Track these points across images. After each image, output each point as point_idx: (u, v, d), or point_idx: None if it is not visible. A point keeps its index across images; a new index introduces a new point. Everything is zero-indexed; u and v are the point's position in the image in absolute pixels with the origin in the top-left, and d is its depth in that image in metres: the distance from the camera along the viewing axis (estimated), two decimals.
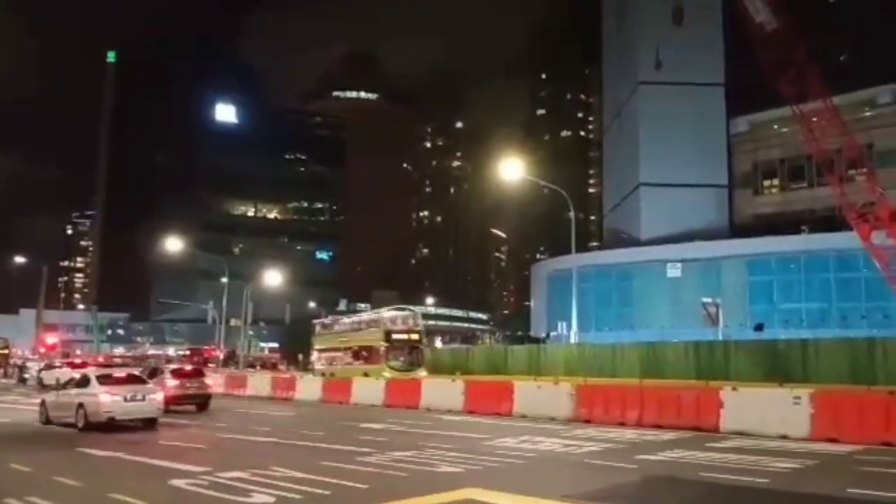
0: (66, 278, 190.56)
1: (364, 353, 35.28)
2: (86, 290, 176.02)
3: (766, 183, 60.47)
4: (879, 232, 31.48)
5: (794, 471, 10.89)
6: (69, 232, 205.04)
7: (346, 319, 43.74)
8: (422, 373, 32.96)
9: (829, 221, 47.55)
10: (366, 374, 31.16)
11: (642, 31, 61.91)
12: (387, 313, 37.20)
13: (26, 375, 45.87)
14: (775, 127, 56.65)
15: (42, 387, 37.86)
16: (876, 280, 36.34)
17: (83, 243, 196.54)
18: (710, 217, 60.57)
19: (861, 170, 33.83)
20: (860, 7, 61.70)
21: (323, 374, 35.82)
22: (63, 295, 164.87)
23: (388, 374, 31.30)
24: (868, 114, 52.88)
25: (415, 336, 35.22)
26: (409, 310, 39.46)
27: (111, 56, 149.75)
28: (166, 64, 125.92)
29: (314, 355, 41.98)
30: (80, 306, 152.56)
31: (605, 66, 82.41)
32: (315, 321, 46.89)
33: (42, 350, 67.86)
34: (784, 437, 14.77)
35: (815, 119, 32.07)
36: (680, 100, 60.87)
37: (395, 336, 34.49)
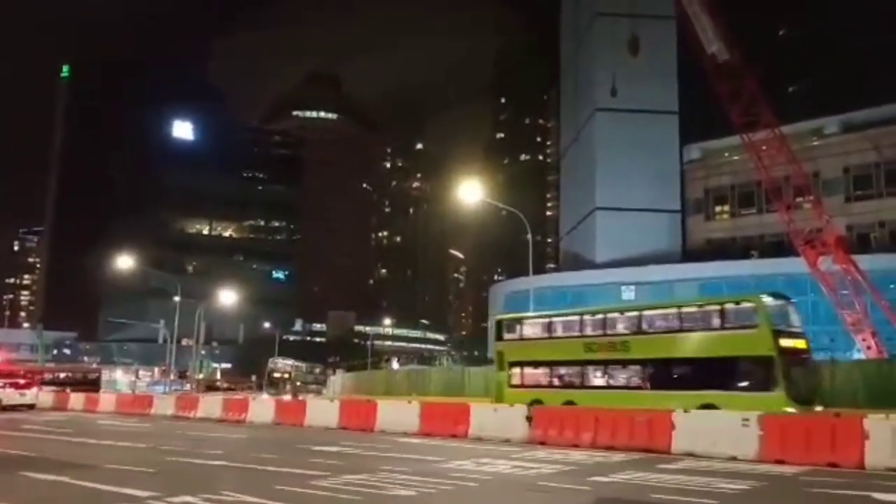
0: (11, 296, 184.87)
1: (714, 370, 21.15)
2: (32, 308, 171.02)
3: (718, 209, 61.89)
4: (826, 258, 32.48)
5: (743, 492, 11.07)
6: (16, 248, 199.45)
7: (594, 314, 26.57)
8: (818, 407, 20.55)
9: (779, 247, 48.82)
10: (707, 406, 19.14)
11: (599, 59, 63.16)
12: (767, 299, 21.58)
13: None
14: (726, 154, 58.15)
15: None
16: (822, 305, 37.38)
17: (30, 260, 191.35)
18: (664, 241, 61.69)
19: (808, 197, 34.95)
20: (810, 40, 64.04)
21: (534, 404, 22.00)
22: (8, 313, 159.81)
23: (791, 409, 19.12)
24: (816, 143, 54.59)
25: (802, 343, 21.86)
26: (784, 297, 22.84)
27: (65, 70, 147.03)
28: (122, 79, 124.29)
29: (505, 371, 27.24)
30: (26, 325, 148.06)
31: (563, 91, 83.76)
32: (500, 317, 31.28)
33: None
34: (734, 459, 15.04)
35: (764, 147, 33.11)
36: (635, 126, 62.11)
37: (784, 342, 20.57)
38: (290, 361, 68.09)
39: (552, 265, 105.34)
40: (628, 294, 55.87)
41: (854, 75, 59.13)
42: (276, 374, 64.00)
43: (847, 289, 32.43)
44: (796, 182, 34.60)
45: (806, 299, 45.75)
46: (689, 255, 59.86)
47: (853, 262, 32.83)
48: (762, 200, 54.23)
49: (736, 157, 54.36)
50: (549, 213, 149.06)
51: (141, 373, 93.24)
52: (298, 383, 61.34)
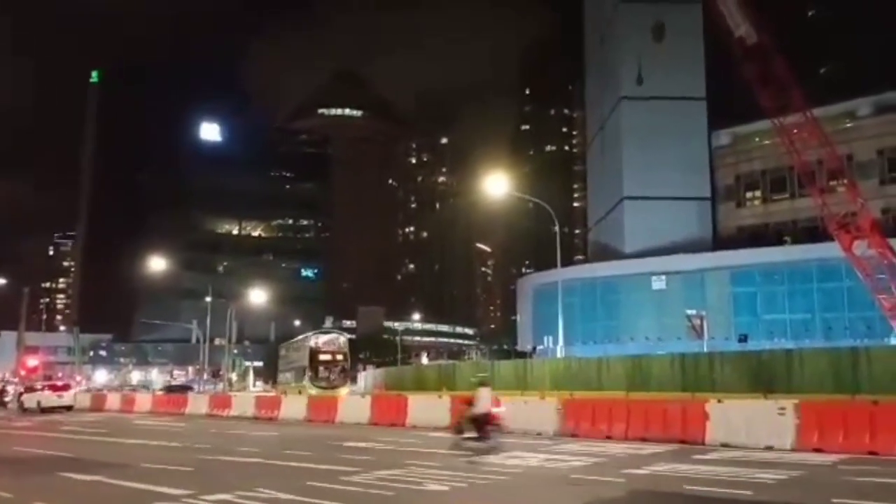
0: (47, 299, 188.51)
1: None
2: (68, 312, 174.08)
3: (749, 195, 60.95)
4: (861, 242, 31.78)
5: (779, 482, 10.89)
6: (51, 252, 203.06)
7: None
8: None
9: (812, 232, 47.96)
10: None
11: (624, 47, 62.45)
12: None
13: (7, 399, 45.22)
14: (757, 139, 57.21)
15: (23, 410, 37.41)
16: (858, 290, 36.61)
17: (65, 264, 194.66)
18: (694, 229, 60.92)
19: (842, 181, 34.18)
20: (840, 21, 62.73)
21: None
22: (45, 316, 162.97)
23: None
24: (849, 125, 53.48)
25: None
26: None
27: (94, 76, 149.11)
28: (149, 83, 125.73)
29: None
30: (62, 328, 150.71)
31: (588, 81, 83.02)
32: None
33: (23, 373, 66.96)
34: (770, 448, 14.80)
35: (795, 131, 32.42)
36: (662, 114, 61.31)
37: None
38: (343, 337, 44.21)
39: (581, 257, 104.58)
40: (659, 284, 55.33)
41: (886, 56, 57.75)
42: (325, 358, 39.65)
43: (884, 273, 31.73)
44: (829, 165, 33.88)
45: (841, 285, 45.10)
46: (721, 242, 59.05)
47: (889, 245, 32.05)
48: (794, 185, 53.30)
49: (767, 142, 53.43)
50: (576, 204, 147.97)
51: (175, 372, 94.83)
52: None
